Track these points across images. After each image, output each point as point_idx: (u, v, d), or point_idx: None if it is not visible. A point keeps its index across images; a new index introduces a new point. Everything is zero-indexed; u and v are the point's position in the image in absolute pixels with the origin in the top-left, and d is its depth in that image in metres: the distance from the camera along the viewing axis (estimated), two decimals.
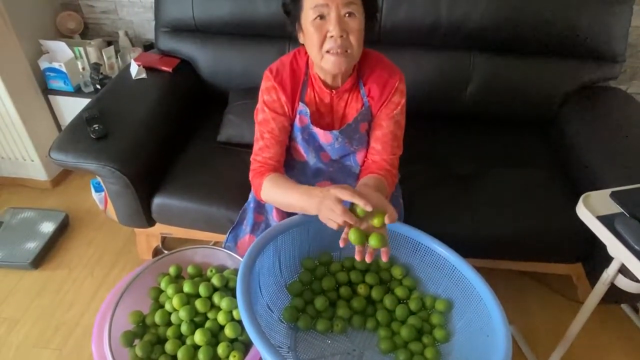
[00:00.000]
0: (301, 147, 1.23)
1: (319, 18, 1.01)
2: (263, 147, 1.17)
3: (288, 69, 1.16)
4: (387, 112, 1.18)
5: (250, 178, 1.18)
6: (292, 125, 1.20)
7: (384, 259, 0.95)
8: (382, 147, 1.19)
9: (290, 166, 1.29)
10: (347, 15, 1.01)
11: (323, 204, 0.95)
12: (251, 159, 1.20)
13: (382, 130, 1.19)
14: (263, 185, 1.12)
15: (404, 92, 1.19)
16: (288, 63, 1.17)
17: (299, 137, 1.21)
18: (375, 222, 0.93)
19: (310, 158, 1.25)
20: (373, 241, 0.92)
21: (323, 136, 1.20)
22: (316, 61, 1.09)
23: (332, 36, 1.01)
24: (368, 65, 1.17)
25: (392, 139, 1.20)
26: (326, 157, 1.26)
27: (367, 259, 0.95)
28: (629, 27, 1.71)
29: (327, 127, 1.20)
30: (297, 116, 1.18)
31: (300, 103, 1.17)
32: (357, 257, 0.97)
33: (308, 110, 1.17)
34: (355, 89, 1.18)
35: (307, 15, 1.03)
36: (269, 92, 1.16)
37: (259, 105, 1.19)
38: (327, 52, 1.04)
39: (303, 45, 1.14)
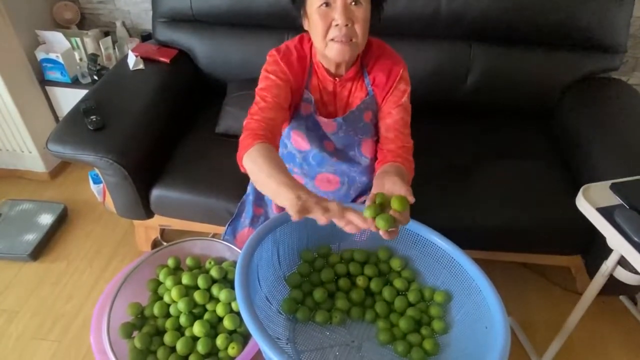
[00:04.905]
0: (305, 135, 1.22)
1: (324, 5, 1.00)
2: (265, 108, 1.07)
3: (295, 54, 1.14)
4: (394, 100, 1.17)
5: (240, 139, 1.04)
6: (292, 108, 1.18)
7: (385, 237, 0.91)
8: (394, 136, 1.18)
9: (292, 156, 1.28)
10: (353, 3, 1.00)
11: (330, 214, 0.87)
12: (247, 120, 1.07)
13: (392, 118, 1.18)
14: (253, 148, 0.99)
15: (408, 80, 1.19)
16: (294, 48, 1.16)
17: (302, 125, 1.20)
18: (395, 204, 0.90)
19: (313, 147, 1.24)
20: (379, 222, 0.89)
21: (327, 125, 1.19)
22: (320, 49, 1.08)
23: (337, 24, 1.00)
24: (372, 54, 1.17)
25: (404, 126, 1.19)
26: (330, 146, 1.25)
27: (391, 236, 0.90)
28: (630, 17, 1.70)
29: (330, 116, 1.19)
30: (302, 104, 1.17)
31: (305, 90, 1.16)
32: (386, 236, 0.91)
33: (313, 99, 1.16)
34: (359, 77, 1.18)
35: (313, 3, 1.02)
36: (276, 64, 1.13)
37: (261, 77, 1.14)
38: (332, 40, 1.03)
39: (307, 32, 1.13)
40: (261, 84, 1.13)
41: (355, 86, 1.18)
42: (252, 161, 0.98)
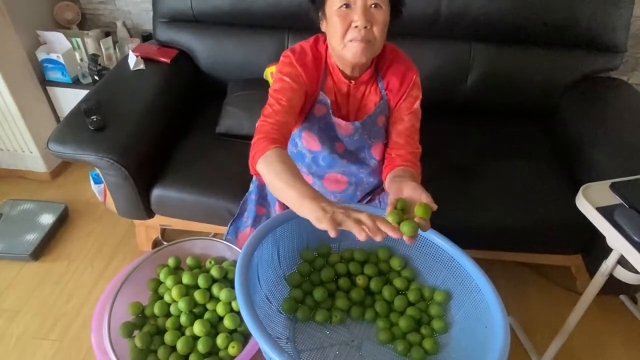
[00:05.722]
0: (317, 136, 1.22)
1: (344, 7, 1.00)
2: (279, 112, 1.06)
3: (310, 55, 1.14)
4: (407, 106, 1.18)
5: (254, 141, 1.03)
6: (305, 109, 1.17)
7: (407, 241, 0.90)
8: (405, 141, 1.18)
9: (302, 155, 1.28)
10: (373, 6, 1.00)
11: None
12: (261, 122, 1.06)
13: (404, 124, 1.19)
14: (269, 151, 0.98)
15: (420, 86, 1.20)
16: (309, 49, 1.15)
17: (315, 126, 1.20)
18: (419, 212, 0.90)
19: (324, 148, 1.23)
20: (404, 228, 0.88)
21: (344, 127, 1.19)
22: (337, 50, 1.07)
23: (356, 26, 1.00)
24: (386, 59, 1.17)
25: (414, 132, 1.20)
26: (341, 147, 1.24)
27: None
28: (630, 17, 1.70)
29: (343, 119, 1.19)
30: (316, 105, 1.17)
31: (320, 92, 1.15)
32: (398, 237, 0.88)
33: (328, 100, 1.16)
34: (373, 81, 1.18)
35: (333, 4, 1.02)
36: (291, 66, 1.12)
37: (276, 78, 1.13)
38: (350, 41, 1.03)
39: (323, 33, 1.13)
40: (275, 85, 1.12)
41: (369, 90, 1.18)
42: (268, 166, 0.97)
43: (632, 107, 1.70)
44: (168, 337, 1.09)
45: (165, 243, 1.32)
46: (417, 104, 1.19)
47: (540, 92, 1.83)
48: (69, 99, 2.08)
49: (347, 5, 1.00)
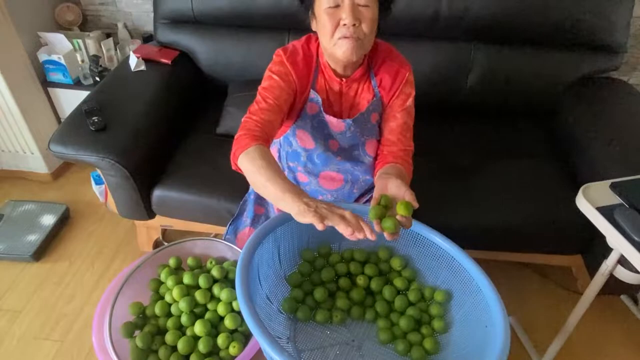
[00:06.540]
0: (310, 134, 1.22)
1: (332, 6, 1.01)
2: (265, 109, 1.07)
3: (301, 54, 1.15)
4: (399, 104, 1.19)
5: (236, 136, 1.04)
6: (296, 108, 1.18)
7: (387, 238, 0.93)
8: (397, 139, 1.19)
9: (297, 154, 1.28)
10: (360, 5, 1.01)
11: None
12: (246, 118, 1.08)
13: (396, 122, 1.19)
14: (251, 148, 0.98)
15: (413, 83, 1.20)
16: (300, 48, 1.16)
17: (308, 124, 1.20)
18: (401, 209, 0.92)
19: (318, 146, 1.24)
20: (386, 224, 0.91)
21: (336, 124, 1.20)
22: (328, 48, 1.08)
23: (344, 24, 1.01)
24: (379, 56, 1.18)
25: (406, 130, 1.20)
26: (335, 145, 1.25)
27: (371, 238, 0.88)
28: (630, 17, 1.71)
29: (336, 116, 1.20)
30: (308, 103, 1.17)
31: (311, 90, 1.16)
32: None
33: (320, 98, 1.16)
34: (366, 79, 1.18)
35: (321, 3, 1.03)
36: (281, 65, 1.13)
37: (265, 75, 1.14)
38: (339, 38, 1.03)
39: (314, 32, 1.13)
40: (264, 83, 1.14)
41: (362, 87, 1.19)
42: (250, 162, 0.98)
43: (632, 107, 1.70)
44: (169, 337, 1.09)
45: (166, 243, 1.32)
46: (410, 102, 1.19)
47: (541, 92, 1.83)
48: (70, 100, 2.08)
49: (336, 5, 1.01)
